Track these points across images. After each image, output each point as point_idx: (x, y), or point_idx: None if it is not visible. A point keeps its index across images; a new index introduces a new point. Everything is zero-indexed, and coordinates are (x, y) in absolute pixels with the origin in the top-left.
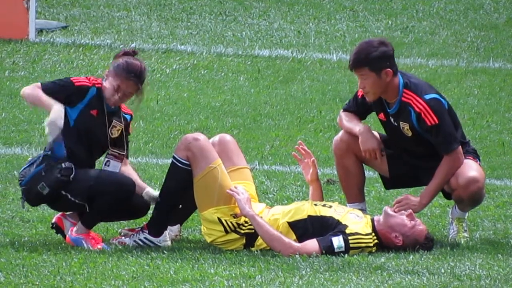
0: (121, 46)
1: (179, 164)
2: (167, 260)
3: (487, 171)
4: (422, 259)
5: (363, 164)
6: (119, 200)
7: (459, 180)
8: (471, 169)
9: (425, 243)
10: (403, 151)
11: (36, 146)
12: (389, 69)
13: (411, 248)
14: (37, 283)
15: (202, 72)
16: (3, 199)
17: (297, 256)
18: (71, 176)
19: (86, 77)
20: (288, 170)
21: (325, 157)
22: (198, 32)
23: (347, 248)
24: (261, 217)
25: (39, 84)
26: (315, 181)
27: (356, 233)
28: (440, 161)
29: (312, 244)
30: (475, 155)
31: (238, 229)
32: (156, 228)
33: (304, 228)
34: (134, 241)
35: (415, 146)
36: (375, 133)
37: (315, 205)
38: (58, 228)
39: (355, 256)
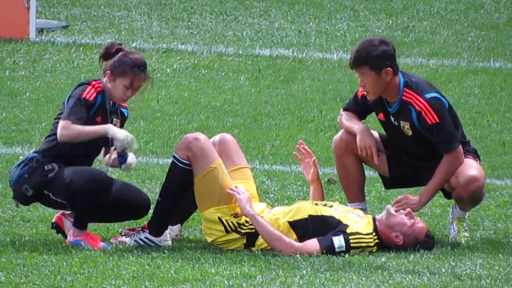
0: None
1: (180, 164)
2: (168, 259)
3: (488, 171)
4: (423, 258)
5: (363, 164)
6: (94, 195)
7: (459, 179)
8: (471, 168)
9: (425, 241)
10: (403, 151)
11: (36, 145)
12: (389, 68)
13: (412, 247)
14: (38, 282)
15: (203, 71)
16: (4, 199)
17: (297, 255)
18: (50, 175)
19: (91, 84)
20: (288, 170)
21: (325, 157)
22: (199, 32)
23: (348, 248)
24: (262, 216)
25: (69, 121)
26: (316, 180)
27: (357, 233)
28: (440, 160)
29: (312, 243)
30: (475, 155)
31: (238, 229)
32: (156, 227)
33: (304, 227)
34: (135, 240)
35: (415, 146)
36: (374, 132)
37: (316, 204)
38: (58, 228)
39: (355, 255)
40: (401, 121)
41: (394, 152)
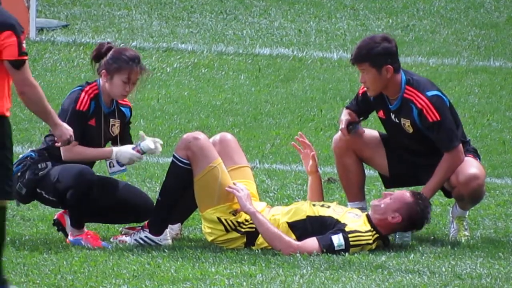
0: (121, 44)
1: (179, 163)
2: (168, 258)
3: (488, 170)
4: (423, 257)
5: (363, 163)
6: (81, 193)
7: (459, 177)
8: (471, 166)
9: (417, 199)
10: (403, 149)
11: (36, 144)
12: (390, 66)
13: (413, 217)
14: (38, 281)
15: (203, 70)
16: None
17: (297, 254)
18: (40, 173)
19: (84, 91)
20: (288, 169)
21: (325, 156)
22: (199, 31)
23: (347, 246)
24: (262, 214)
25: (71, 145)
26: (314, 172)
27: (356, 231)
28: (440, 159)
29: (312, 242)
30: (475, 154)
31: (238, 228)
32: (156, 226)
33: (303, 228)
34: (135, 239)
35: (415, 144)
36: (374, 131)
37: (314, 205)
38: (59, 224)
39: (355, 254)
40: (402, 119)
41: (394, 150)
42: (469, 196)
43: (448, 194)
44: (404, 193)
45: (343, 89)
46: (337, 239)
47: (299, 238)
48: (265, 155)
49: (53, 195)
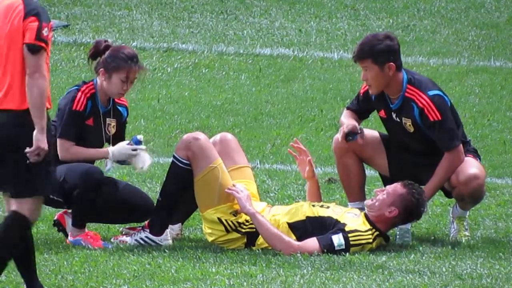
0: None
1: (180, 164)
2: (169, 259)
3: (488, 170)
4: (424, 258)
5: (364, 163)
6: (88, 192)
7: (460, 177)
8: (471, 166)
9: (409, 189)
10: (403, 149)
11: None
12: (392, 63)
13: (409, 207)
14: None
15: (203, 71)
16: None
17: (298, 254)
18: None
19: (80, 90)
20: (289, 169)
21: (326, 156)
22: (200, 31)
23: (348, 246)
24: (262, 215)
25: (66, 142)
26: (311, 178)
27: (356, 230)
28: (441, 159)
29: (312, 243)
30: (476, 154)
31: (239, 228)
32: (157, 227)
33: (303, 229)
34: (135, 240)
35: (416, 143)
36: (374, 132)
37: (313, 206)
38: (60, 225)
39: (356, 255)
40: (403, 118)
41: (395, 150)
42: (469, 196)
43: (448, 194)
44: (396, 186)
45: (344, 89)
46: (337, 239)
47: (299, 239)
48: (265, 155)
49: (59, 195)
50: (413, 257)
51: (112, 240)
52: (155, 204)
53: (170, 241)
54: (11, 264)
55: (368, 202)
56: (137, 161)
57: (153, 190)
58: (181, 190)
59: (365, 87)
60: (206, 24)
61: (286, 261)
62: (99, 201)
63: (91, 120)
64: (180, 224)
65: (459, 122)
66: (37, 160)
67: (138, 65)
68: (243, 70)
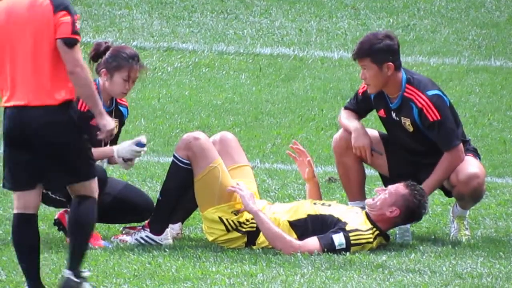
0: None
1: (180, 164)
2: (169, 258)
3: (489, 169)
4: (424, 257)
5: (364, 163)
6: None
7: (459, 176)
8: (471, 165)
9: (412, 190)
10: (403, 148)
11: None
12: (391, 63)
13: (411, 208)
14: None
15: (204, 70)
16: (5, 197)
17: (298, 254)
18: None
19: None
20: (289, 168)
21: (326, 155)
22: (200, 30)
23: (348, 245)
24: (265, 213)
25: None
26: (311, 179)
27: (357, 230)
28: (440, 158)
29: (313, 242)
30: (476, 154)
31: (239, 228)
32: (157, 226)
33: (304, 227)
34: (136, 239)
35: (416, 143)
36: (373, 131)
37: (314, 204)
38: (60, 224)
39: (356, 254)
40: (402, 117)
41: (395, 150)
42: (469, 195)
43: (448, 194)
44: (398, 186)
45: (344, 88)
46: (338, 238)
47: (300, 237)
48: (265, 154)
49: (61, 194)
50: (414, 256)
51: (112, 239)
52: (155, 204)
53: (170, 241)
54: (11, 264)
55: (369, 201)
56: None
57: (153, 190)
58: (181, 189)
59: (364, 87)
60: (206, 23)
61: (287, 260)
62: (99, 201)
63: (95, 120)
64: (180, 223)
65: (459, 122)
66: (110, 138)
67: (139, 64)
68: (243, 69)
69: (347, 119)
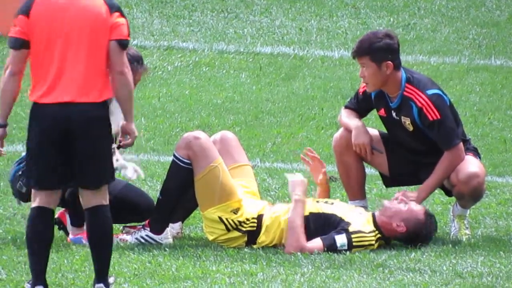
0: None
1: (180, 163)
2: (169, 257)
3: (489, 169)
4: (424, 256)
5: (364, 162)
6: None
7: (460, 175)
8: (471, 164)
9: (427, 220)
10: (403, 147)
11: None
12: (390, 62)
13: (417, 233)
14: None
15: (204, 69)
16: (5, 196)
17: (298, 253)
18: None
19: None
20: (290, 168)
21: (327, 155)
22: (200, 29)
23: (350, 247)
24: (304, 207)
25: None
26: (324, 184)
27: (359, 231)
28: (441, 157)
29: (317, 243)
30: (476, 153)
31: (239, 227)
32: (157, 225)
33: (305, 225)
34: (136, 238)
35: (416, 142)
36: (374, 130)
37: (317, 202)
38: (60, 223)
39: (357, 253)
40: (402, 116)
41: (395, 149)
42: (469, 194)
43: (448, 193)
44: (419, 209)
45: (344, 87)
46: (341, 239)
47: None
48: (266, 153)
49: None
50: (414, 255)
51: None
52: (155, 203)
53: (171, 240)
54: (12, 263)
55: (387, 203)
56: (126, 172)
57: (153, 189)
58: (182, 189)
59: (364, 86)
60: (206, 22)
61: (287, 259)
62: None
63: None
64: (180, 222)
65: (459, 121)
66: (130, 145)
67: (143, 66)
68: (243, 68)
69: (347, 118)
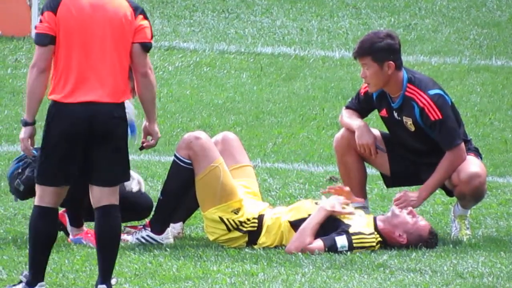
0: None
1: (181, 163)
2: (170, 257)
3: (490, 169)
4: (425, 256)
5: (365, 162)
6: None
7: (461, 175)
8: (472, 164)
9: (429, 238)
10: (405, 148)
11: (38, 143)
12: (391, 62)
13: (415, 246)
14: None
15: (205, 69)
16: (6, 196)
17: (299, 253)
18: None
19: None
20: (290, 168)
21: (327, 155)
22: (201, 30)
23: (351, 248)
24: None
25: None
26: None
27: (360, 233)
28: (442, 157)
29: (319, 244)
30: (477, 153)
31: (240, 227)
32: (158, 225)
33: None
34: (137, 238)
35: (418, 142)
36: (375, 130)
37: (316, 203)
38: (60, 224)
39: (357, 254)
40: (404, 117)
41: (396, 150)
42: (470, 194)
43: (449, 193)
44: (425, 225)
45: (345, 87)
46: (341, 241)
47: None
48: (267, 154)
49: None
50: (415, 255)
51: None
52: (155, 203)
53: (171, 240)
54: (12, 263)
55: (396, 210)
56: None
57: (154, 189)
58: (182, 189)
59: (365, 86)
60: (207, 22)
61: (288, 259)
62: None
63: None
64: (181, 222)
65: (460, 121)
66: (152, 146)
67: None
68: (244, 68)
69: (349, 118)
